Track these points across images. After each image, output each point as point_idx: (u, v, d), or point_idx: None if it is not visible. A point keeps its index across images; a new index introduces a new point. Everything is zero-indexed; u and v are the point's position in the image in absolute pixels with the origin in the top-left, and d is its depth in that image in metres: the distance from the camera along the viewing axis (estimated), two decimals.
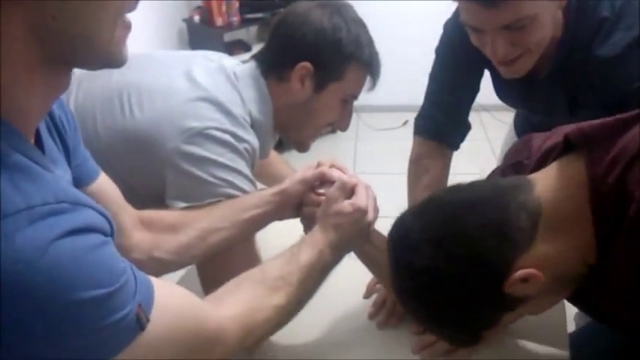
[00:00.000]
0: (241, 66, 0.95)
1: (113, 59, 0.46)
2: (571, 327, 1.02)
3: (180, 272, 1.12)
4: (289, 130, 0.98)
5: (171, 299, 0.49)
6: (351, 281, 0.98)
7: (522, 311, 0.66)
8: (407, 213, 0.68)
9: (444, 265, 0.61)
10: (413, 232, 0.64)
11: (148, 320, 0.45)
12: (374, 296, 0.97)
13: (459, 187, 0.68)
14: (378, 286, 0.98)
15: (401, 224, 0.67)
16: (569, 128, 0.67)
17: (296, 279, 0.70)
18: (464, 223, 0.61)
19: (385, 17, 2.60)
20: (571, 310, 0.90)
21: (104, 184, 0.71)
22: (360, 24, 0.93)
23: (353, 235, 0.79)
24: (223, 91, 0.86)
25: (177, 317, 0.50)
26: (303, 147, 1.01)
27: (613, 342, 0.78)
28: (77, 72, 1.01)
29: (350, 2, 0.96)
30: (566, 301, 0.82)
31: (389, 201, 1.28)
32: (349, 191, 0.81)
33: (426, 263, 0.61)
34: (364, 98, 1.01)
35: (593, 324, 0.78)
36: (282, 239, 0.84)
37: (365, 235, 0.82)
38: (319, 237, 0.76)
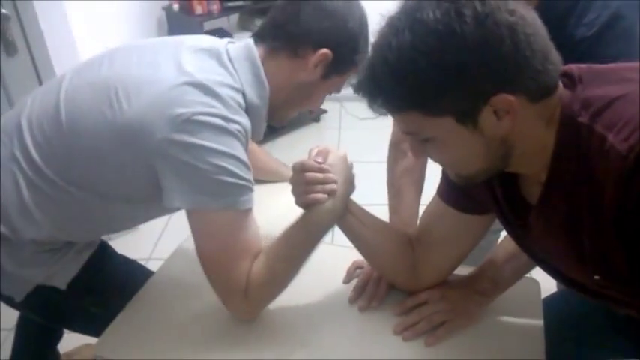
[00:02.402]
0: (235, 46, 0.93)
1: None
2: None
3: (184, 233, 1.09)
4: (279, 107, 0.96)
5: None
6: (331, 267, 1.01)
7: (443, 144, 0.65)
8: None
9: (481, 29, 0.57)
10: None
11: None
12: (354, 281, 0.98)
13: None
14: (357, 271, 1.00)
15: None
16: None
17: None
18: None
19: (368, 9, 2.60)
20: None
21: None
22: (367, 26, 0.94)
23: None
24: (212, 74, 0.85)
25: None
26: (281, 123, 1.01)
27: (584, 305, 0.81)
28: (66, 67, 1.00)
29: None
30: (538, 273, 0.85)
31: (373, 189, 1.30)
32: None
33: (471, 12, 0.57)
34: (348, 87, 1.01)
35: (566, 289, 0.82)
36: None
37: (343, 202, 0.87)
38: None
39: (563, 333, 0.93)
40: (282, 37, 0.91)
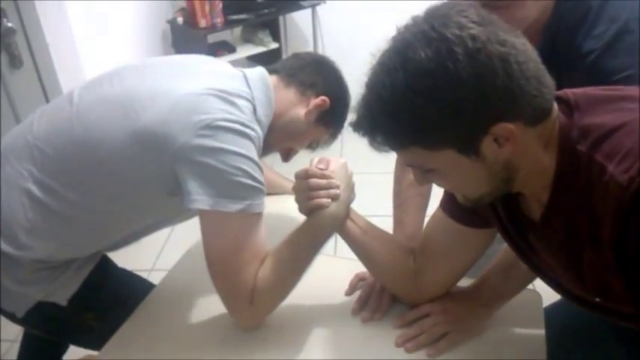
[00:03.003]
0: (250, 69, 1.00)
1: None
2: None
3: (187, 245, 1.13)
4: (271, 133, 0.99)
5: None
6: (334, 279, 1.01)
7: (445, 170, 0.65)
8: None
9: (480, 59, 0.57)
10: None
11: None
12: (356, 293, 0.99)
13: None
14: (360, 283, 1.00)
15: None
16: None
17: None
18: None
19: (367, 22, 2.62)
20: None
21: None
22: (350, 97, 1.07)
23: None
24: (227, 86, 0.88)
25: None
26: (265, 154, 1.04)
27: (586, 315, 0.81)
28: (76, 82, 1.02)
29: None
30: (540, 285, 0.85)
31: (375, 200, 1.30)
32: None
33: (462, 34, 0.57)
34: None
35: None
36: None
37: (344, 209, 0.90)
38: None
39: (565, 343, 0.93)
40: (296, 76, 1.02)
